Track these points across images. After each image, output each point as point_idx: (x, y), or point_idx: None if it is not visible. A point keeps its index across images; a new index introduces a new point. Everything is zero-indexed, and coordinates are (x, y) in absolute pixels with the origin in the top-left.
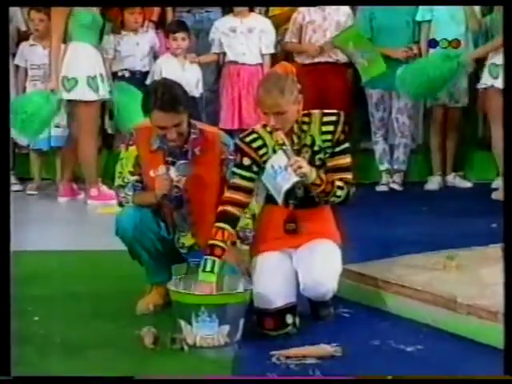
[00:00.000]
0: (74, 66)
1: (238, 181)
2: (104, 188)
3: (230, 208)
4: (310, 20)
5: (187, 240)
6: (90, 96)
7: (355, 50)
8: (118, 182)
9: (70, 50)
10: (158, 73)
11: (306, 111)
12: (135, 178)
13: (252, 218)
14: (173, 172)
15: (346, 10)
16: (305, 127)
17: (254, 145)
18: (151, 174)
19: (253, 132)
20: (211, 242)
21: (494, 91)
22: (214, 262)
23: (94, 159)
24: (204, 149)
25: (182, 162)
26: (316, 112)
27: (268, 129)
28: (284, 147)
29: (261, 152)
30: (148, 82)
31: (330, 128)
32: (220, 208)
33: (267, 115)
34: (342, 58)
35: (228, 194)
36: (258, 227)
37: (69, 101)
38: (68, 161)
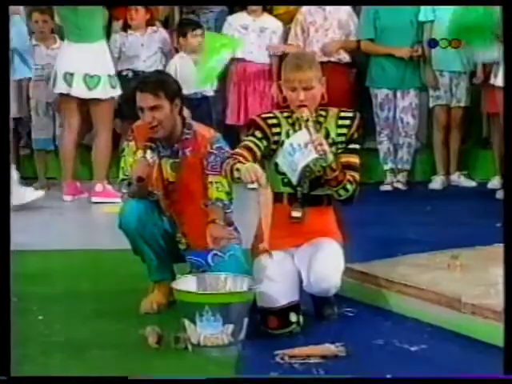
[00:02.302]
0: (95, 63)
1: (248, 143)
2: (109, 186)
3: (237, 157)
4: (312, 21)
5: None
6: (111, 93)
7: None
8: (120, 176)
9: (91, 48)
10: (172, 71)
11: (323, 107)
12: None
13: (225, 194)
14: (149, 155)
15: (346, 8)
16: (321, 119)
17: (270, 121)
18: (163, 172)
19: (270, 112)
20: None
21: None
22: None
23: (108, 156)
24: (195, 151)
25: (171, 160)
26: (333, 108)
27: (285, 114)
28: (309, 123)
29: (274, 130)
30: None
31: (347, 122)
32: (230, 159)
33: (295, 91)
34: (344, 57)
35: (238, 149)
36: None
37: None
38: (68, 158)
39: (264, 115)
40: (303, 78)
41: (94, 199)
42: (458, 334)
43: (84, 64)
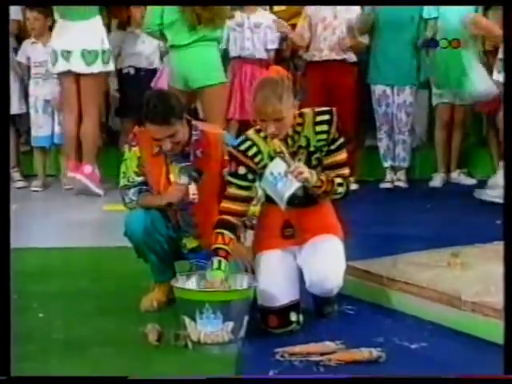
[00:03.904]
0: (91, 39)
1: (234, 191)
2: (97, 171)
3: (227, 217)
4: (321, 17)
5: (189, 242)
6: (107, 68)
7: None
8: (123, 182)
9: (87, 24)
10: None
11: (298, 111)
12: (141, 178)
13: (259, 205)
14: (192, 189)
15: (355, 7)
16: (299, 129)
17: (250, 153)
18: (171, 177)
19: (247, 139)
20: (214, 246)
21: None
22: (219, 261)
23: (97, 136)
24: (206, 150)
25: (186, 164)
26: (308, 111)
27: (262, 134)
28: (282, 155)
29: (256, 159)
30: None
31: (325, 128)
32: (219, 217)
33: (265, 122)
34: (349, 56)
35: (225, 204)
36: (259, 226)
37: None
38: (72, 137)
39: (242, 146)
40: (271, 112)
41: (80, 177)
42: (458, 331)
43: (81, 40)
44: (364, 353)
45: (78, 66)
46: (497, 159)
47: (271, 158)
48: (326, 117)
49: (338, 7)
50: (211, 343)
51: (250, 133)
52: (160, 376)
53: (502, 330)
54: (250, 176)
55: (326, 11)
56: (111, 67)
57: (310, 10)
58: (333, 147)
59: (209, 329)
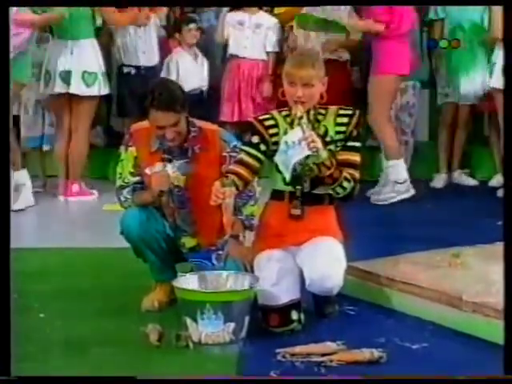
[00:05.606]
0: (91, 60)
1: (243, 156)
2: (83, 185)
3: (232, 176)
4: None
5: (188, 241)
6: (104, 91)
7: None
8: (118, 182)
9: (85, 45)
10: (174, 67)
11: (323, 105)
12: (136, 178)
13: (256, 206)
14: (170, 168)
15: (347, 7)
16: (320, 117)
17: (266, 123)
18: (147, 171)
19: (268, 113)
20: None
21: (493, 90)
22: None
23: (85, 156)
24: (204, 147)
25: (182, 160)
26: (333, 106)
27: (283, 113)
28: (302, 121)
29: (271, 131)
30: (162, 75)
31: (345, 120)
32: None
33: (294, 87)
34: (342, 55)
35: (231, 167)
36: (260, 225)
37: (60, 95)
38: (62, 159)
39: (261, 117)
40: (304, 75)
41: (71, 199)
42: (459, 332)
43: (80, 61)
44: (365, 353)
45: (77, 87)
46: (500, 159)
47: (286, 134)
48: (349, 112)
49: (328, 8)
50: (212, 344)
51: (273, 111)
52: (161, 376)
53: (503, 331)
54: (263, 147)
55: (315, 13)
56: (107, 90)
57: (302, 11)
58: (349, 144)
59: (210, 329)
